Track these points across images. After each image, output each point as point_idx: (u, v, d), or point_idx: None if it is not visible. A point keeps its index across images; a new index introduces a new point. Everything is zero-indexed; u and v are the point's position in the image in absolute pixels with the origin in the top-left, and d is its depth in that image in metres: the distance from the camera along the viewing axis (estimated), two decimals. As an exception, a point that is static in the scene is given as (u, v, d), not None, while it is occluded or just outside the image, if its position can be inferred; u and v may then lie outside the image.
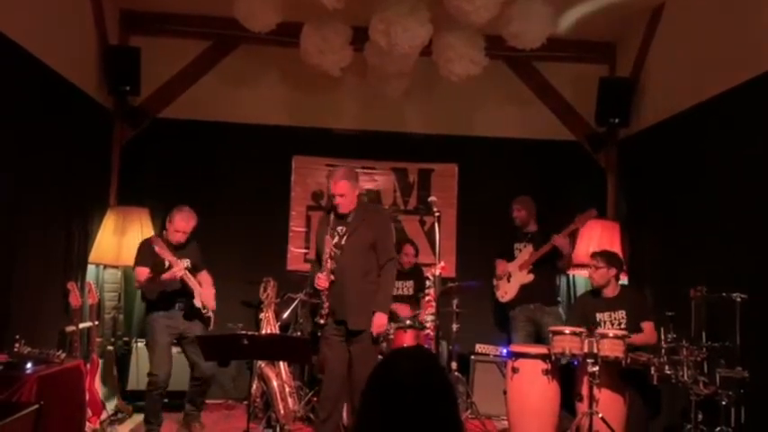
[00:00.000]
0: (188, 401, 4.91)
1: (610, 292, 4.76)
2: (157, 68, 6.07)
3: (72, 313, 4.71)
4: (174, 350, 4.86)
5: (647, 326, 4.62)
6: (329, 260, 4.19)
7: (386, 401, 1.37)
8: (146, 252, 4.67)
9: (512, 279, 5.50)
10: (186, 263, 4.72)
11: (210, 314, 4.81)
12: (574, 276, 6.21)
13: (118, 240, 5.55)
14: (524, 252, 5.50)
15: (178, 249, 4.72)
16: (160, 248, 4.48)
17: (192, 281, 4.68)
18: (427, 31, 5.04)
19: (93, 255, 5.59)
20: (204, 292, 4.80)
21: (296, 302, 5.45)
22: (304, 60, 5.47)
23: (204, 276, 4.95)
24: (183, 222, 4.68)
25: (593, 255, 4.84)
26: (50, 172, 4.90)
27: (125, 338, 5.80)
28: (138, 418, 5.17)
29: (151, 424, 4.71)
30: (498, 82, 6.39)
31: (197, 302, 4.68)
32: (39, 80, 4.71)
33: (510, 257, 5.57)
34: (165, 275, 4.51)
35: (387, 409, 1.36)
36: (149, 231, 5.73)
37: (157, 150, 6.22)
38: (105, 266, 5.74)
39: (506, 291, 5.53)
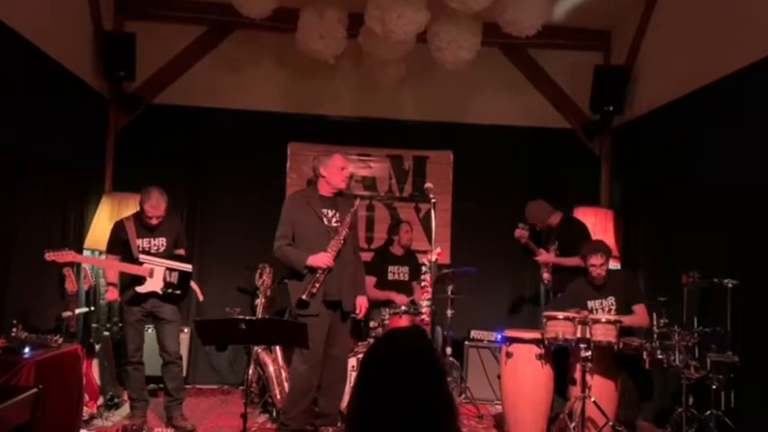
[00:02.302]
0: (165, 390, 4.78)
1: (600, 279, 4.79)
2: (152, 54, 6.05)
3: (68, 299, 4.72)
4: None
5: (639, 308, 4.66)
6: (339, 242, 4.27)
7: (382, 374, 1.42)
8: (117, 237, 4.69)
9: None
10: (161, 242, 4.71)
11: (180, 292, 4.70)
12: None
13: (113, 226, 5.55)
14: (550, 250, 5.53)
15: (154, 230, 4.70)
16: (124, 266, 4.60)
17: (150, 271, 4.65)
18: (423, 18, 5.03)
19: (89, 241, 5.59)
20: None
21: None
22: (301, 46, 5.45)
23: (181, 253, 4.89)
24: (152, 209, 4.60)
25: (591, 251, 4.73)
26: (45, 158, 4.89)
27: (120, 324, 5.80)
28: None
29: (134, 401, 4.68)
30: (493, 69, 6.41)
31: (158, 288, 4.62)
32: (33, 65, 4.68)
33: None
34: (140, 288, 4.59)
35: (383, 381, 1.40)
36: (144, 217, 5.75)
37: (152, 136, 6.19)
38: (101, 253, 5.73)
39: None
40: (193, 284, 4.90)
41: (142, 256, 4.61)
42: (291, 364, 4.41)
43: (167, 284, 4.64)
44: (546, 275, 5.48)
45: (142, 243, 4.65)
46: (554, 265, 5.40)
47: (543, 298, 6.17)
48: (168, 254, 4.72)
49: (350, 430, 1.43)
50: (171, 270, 4.67)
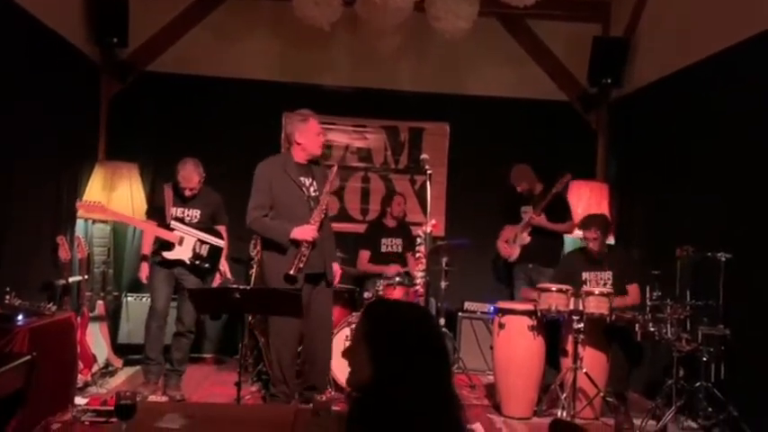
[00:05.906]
0: (168, 359, 4.75)
1: (598, 252, 4.80)
2: (145, 20, 5.94)
3: (62, 267, 4.72)
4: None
5: (633, 288, 4.69)
6: (322, 212, 4.18)
7: (389, 348, 1.41)
8: (158, 203, 4.79)
9: (516, 240, 5.62)
10: (194, 213, 4.74)
11: (208, 266, 4.73)
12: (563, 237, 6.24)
13: (107, 195, 5.50)
14: (527, 215, 5.56)
15: (188, 201, 4.71)
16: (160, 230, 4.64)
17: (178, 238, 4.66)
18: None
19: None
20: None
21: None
22: (297, 12, 5.36)
23: (221, 231, 4.88)
24: (184, 180, 4.61)
25: (585, 225, 4.78)
26: (37, 125, 4.82)
27: (115, 293, 5.81)
28: (129, 371, 5.23)
29: (151, 361, 4.66)
30: (491, 41, 6.33)
31: (185, 257, 4.64)
32: (23, 30, 4.59)
33: (517, 220, 5.64)
34: (167, 254, 4.61)
35: (397, 352, 1.40)
36: (138, 186, 5.72)
37: (146, 104, 6.13)
38: (94, 221, 5.70)
39: (511, 252, 5.65)
40: (224, 264, 4.86)
41: (174, 223, 4.64)
42: (269, 338, 4.38)
43: (196, 255, 4.66)
44: (527, 238, 5.52)
45: (176, 211, 4.69)
46: (534, 229, 5.47)
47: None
48: (202, 226, 4.73)
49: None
50: (202, 242, 4.69)
